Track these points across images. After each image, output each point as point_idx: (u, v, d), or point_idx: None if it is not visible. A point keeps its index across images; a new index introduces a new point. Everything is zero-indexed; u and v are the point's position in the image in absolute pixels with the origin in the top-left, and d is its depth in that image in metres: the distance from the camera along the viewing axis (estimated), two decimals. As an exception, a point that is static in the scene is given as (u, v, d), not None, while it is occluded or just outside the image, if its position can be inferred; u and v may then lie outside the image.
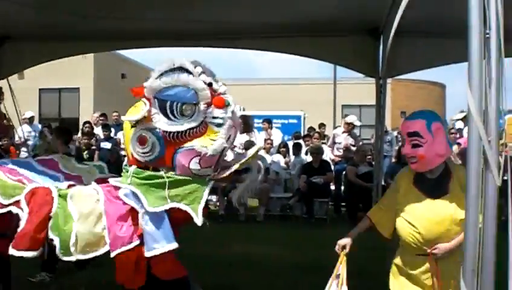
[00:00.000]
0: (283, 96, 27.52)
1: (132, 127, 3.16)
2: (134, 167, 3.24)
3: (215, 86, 3.20)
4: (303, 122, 23.97)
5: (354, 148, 13.26)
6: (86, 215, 3.36)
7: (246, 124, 13.51)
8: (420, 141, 3.51)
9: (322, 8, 8.02)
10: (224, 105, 3.19)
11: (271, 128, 14.98)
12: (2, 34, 10.22)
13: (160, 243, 3.25)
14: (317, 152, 11.83)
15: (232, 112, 3.26)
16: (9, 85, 10.77)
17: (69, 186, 3.66)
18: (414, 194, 3.68)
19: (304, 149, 13.54)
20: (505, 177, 2.75)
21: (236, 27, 9.62)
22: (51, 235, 3.39)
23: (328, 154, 13.10)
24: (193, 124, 3.14)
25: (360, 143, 14.48)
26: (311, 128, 17.86)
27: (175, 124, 3.11)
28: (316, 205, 11.58)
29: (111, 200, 3.26)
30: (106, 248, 3.32)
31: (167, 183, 3.19)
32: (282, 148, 13.14)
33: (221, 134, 3.19)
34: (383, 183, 10.74)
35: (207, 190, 3.27)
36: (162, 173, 3.20)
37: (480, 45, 2.68)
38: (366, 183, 10.94)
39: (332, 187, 12.38)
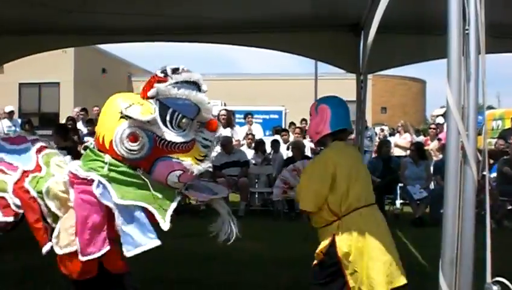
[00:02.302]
0: (264, 91, 27.57)
1: (121, 118, 3.14)
2: (109, 157, 3.19)
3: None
4: (284, 118, 24.04)
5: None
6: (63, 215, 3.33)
7: (228, 118, 13.57)
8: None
9: (302, 4, 8.06)
10: (216, 129, 3.20)
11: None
12: (-18, 28, 10.14)
13: (142, 241, 3.23)
14: (297, 147, 11.87)
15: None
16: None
17: (39, 150, 3.57)
18: None
19: (282, 144, 13.57)
20: (484, 172, 2.80)
21: (216, 22, 9.62)
22: None
23: (309, 149, 13.14)
24: (186, 139, 3.14)
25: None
26: (292, 124, 17.92)
27: (170, 133, 3.10)
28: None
29: (82, 200, 3.21)
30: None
31: (146, 184, 3.16)
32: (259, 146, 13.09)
33: (209, 157, 3.23)
34: (363, 178, 10.85)
35: (176, 201, 3.30)
36: (139, 173, 3.17)
37: (459, 41, 2.72)
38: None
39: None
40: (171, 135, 3.10)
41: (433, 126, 14.79)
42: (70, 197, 3.26)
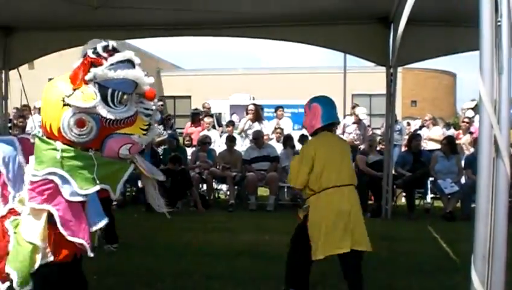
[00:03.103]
0: (293, 85, 27.48)
1: (64, 106, 3.22)
2: (60, 143, 3.31)
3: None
4: (313, 112, 23.92)
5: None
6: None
7: (256, 113, 13.55)
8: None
9: (332, -3, 8.02)
10: (154, 96, 3.35)
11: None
12: (12, 25, 10.29)
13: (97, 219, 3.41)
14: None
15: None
16: (20, 75, 10.85)
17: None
18: None
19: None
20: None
21: (246, 17, 9.62)
22: (7, 269, 3.40)
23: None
24: (130, 113, 3.29)
25: (370, 133, 14.47)
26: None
27: (114, 112, 3.24)
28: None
29: (67, 220, 3.34)
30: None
31: (96, 166, 3.31)
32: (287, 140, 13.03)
33: (153, 126, 3.40)
34: (393, 172, 10.74)
35: (128, 171, 3.45)
36: (91, 154, 3.32)
37: (492, 33, 2.67)
38: (376, 172, 10.92)
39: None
40: (115, 114, 3.25)
41: (466, 120, 14.57)
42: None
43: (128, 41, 21.01)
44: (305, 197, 5.28)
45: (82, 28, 9.76)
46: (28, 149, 3.63)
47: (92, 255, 3.35)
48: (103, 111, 3.22)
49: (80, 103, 3.19)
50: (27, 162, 3.54)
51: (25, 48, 10.57)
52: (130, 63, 3.33)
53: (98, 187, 3.32)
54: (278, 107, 15.37)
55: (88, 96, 3.21)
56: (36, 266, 3.33)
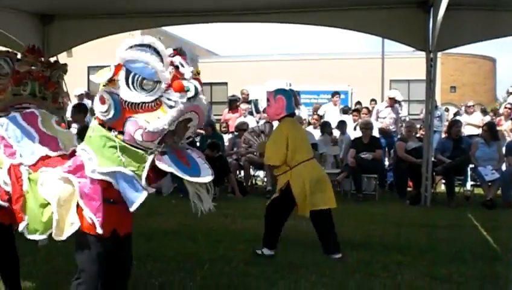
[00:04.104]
0: (330, 71, 27.27)
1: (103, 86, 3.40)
2: (96, 122, 3.47)
3: (181, 69, 3.32)
4: (350, 98, 23.77)
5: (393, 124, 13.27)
6: (64, 202, 3.50)
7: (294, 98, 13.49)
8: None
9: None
10: (182, 90, 3.29)
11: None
12: (50, 13, 10.40)
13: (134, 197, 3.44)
14: (366, 127, 11.69)
15: (197, 99, 3.34)
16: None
17: (40, 160, 3.81)
18: None
19: (351, 125, 13.40)
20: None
21: (281, 2, 9.58)
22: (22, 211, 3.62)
23: (377, 129, 12.94)
24: (148, 99, 3.30)
25: (405, 118, 14.31)
26: (358, 103, 17.68)
27: (132, 94, 3.30)
28: (364, 180, 11.50)
29: (84, 194, 3.42)
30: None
31: (118, 147, 3.38)
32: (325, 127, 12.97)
33: (167, 115, 3.30)
34: (433, 159, 10.60)
35: (149, 161, 3.41)
36: (112, 135, 3.40)
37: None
38: (415, 159, 10.80)
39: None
40: (130, 96, 3.30)
41: (508, 106, 14.29)
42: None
43: (164, 28, 21.19)
44: (277, 174, 6.42)
45: (119, 16, 9.83)
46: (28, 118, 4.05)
47: (100, 231, 3.39)
48: (121, 91, 3.31)
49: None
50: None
51: (64, 36, 10.68)
52: (152, 50, 3.35)
53: (116, 168, 3.37)
54: (335, 92, 15.40)
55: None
56: (54, 225, 3.48)
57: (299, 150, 6.25)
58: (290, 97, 6.45)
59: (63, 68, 5.01)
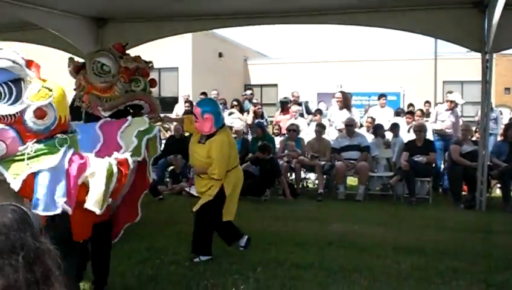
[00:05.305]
0: (381, 72, 27.00)
1: None
2: None
3: None
4: (402, 99, 23.50)
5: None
6: None
7: (344, 100, 13.36)
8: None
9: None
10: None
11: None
12: (105, 16, 10.59)
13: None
14: (420, 130, 11.51)
15: None
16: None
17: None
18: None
19: (405, 127, 13.22)
20: None
21: (333, 4, 9.53)
22: None
23: (431, 132, 12.72)
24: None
25: (461, 122, 14.05)
26: (410, 105, 17.44)
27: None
28: (417, 184, 11.32)
29: None
30: None
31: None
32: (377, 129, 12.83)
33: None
34: (488, 162, 10.38)
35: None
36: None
37: None
38: (470, 163, 10.58)
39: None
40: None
41: None
42: None
43: (215, 30, 21.33)
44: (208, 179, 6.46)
45: (170, 19, 9.93)
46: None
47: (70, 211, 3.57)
48: None
49: None
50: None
51: (117, 39, 10.80)
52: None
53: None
54: (380, 96, 15.27)
55: None
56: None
57: (232, 157, 6.59)
58: (217, 113, 6.51)
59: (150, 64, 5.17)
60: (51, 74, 4.01)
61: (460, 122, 13.61)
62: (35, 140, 3.54)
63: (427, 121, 13.45)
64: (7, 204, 1.96)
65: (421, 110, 14.36)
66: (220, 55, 27.95)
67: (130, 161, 3.91)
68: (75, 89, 5.17)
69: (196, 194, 10.97)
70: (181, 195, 11.44)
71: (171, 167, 12.35)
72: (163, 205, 10.12)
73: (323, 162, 11.61)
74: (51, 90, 3.53)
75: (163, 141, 13.71)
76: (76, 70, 5.17)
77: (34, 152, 3.48)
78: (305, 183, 12.94)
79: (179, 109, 15.70)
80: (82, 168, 3.62)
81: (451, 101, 13.32)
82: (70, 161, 3.60)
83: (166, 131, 14.70)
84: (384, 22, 10.09)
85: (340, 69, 27.73)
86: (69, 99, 4.76)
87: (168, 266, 6.05)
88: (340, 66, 28.24)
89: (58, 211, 3.47)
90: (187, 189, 11.44)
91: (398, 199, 11.17)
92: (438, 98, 24.14)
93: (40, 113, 3.49)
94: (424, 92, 23.42)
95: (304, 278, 5.69)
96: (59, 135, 3.63)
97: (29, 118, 3.49)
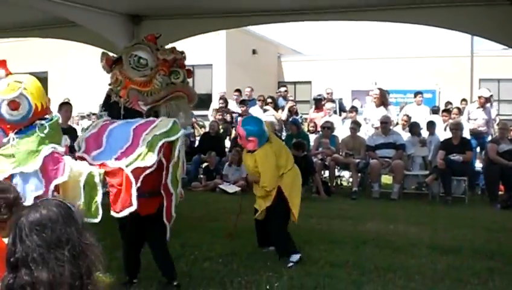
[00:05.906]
0: (416, 70, 26.71)
1: None
2: None
3: None
4: (438, 97, 23.22)
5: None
6: None
7: (381, 97, 13.25)
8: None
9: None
10: None
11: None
12: (139, 14, 10.68)
13: None
14: (456, 128, 11.36)
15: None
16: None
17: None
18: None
19: (441, 125, 13.06)
20: None
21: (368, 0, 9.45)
22: None
23: (467, 130, 12.55)
24: None
25: (496, 118, 13.86)
26: (448, 103, 17.22)
27: None
28: (453, 183, 11.18)
29: None
30: None
31: None
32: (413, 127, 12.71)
33: None
34: (526, 162, 10.23)
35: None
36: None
37: None
38: (507, 162, 10.43)
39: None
40: None
41: None
42: None
43: (249, 27, 21.33)
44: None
45: (204, 16, 9.96)
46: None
47: None
48: None
49: None
50: None
51: (153, 37, 10.92)
52: None
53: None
54: (417, 93, 15.12)
55: None
56: None
57: (280, 164, 6.52)
58: (261, 134, 6.43)
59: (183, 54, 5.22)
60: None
61: (497, 120, 13.42)
62: (16, 130, 3.95)
63: (464, 119, 13.28)
64: (51, 199, 1.99)
65: (458, 108, 14.17)
66: (254, 52, 27.92)
67: (127, 170, 4.05)
68: (110, 84, 5.11)
69: (230, 191, 11.17)
70: (214, 192, 11.50)
71: (205, 164, 12.42)
72: (197, 202, 10.18)
73: (357, 160, 11.55)
74: (20, 82, 3.81)
75: (198, 138, 13.80)
76: (110, 64, 5.11)
77: (21, 151, 3.91)
78: (339, 181, 12.90)
79: (214, 106, 15.75)
80: (55, 173, 3.97)
81: (480, 97, 13.15)
82: (47, 163, 3.96)
83: (201, 128, 14.82)
84: (421, 19, 9.97)
85: (374, 66, 27.49)
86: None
87: (202, 263, 6.08)
88: (374, 63, 28.00)
89: None
90: (221, 186, 11.50)
91: (434, 198, 11.07)
92: (474, 96, 23.79)
93: (14, 105, 3.89)
94: (460, 89, 23.11)
95: (337, 277, 5.67)
96: (38, 122, 3.99)
97: (5, 111, 3.90)
